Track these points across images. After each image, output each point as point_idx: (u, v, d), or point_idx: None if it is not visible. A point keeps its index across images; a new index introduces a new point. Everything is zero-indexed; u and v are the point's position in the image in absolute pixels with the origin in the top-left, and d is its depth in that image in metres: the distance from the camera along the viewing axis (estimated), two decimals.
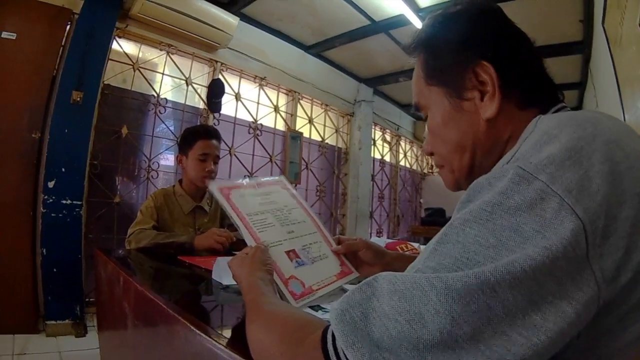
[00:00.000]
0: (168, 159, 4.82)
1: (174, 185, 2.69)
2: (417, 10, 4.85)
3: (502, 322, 0.49)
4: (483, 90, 0.80)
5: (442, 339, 0.49)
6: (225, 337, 0.87)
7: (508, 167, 0.58)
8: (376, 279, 0.59)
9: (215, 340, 0.85)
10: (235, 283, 1.21)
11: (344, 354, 0.54)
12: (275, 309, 0.81)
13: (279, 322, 0.73)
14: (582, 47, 5.31)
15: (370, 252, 1.34)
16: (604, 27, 3.59)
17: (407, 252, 1.96)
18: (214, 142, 2.64)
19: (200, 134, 2.64)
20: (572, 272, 0.50)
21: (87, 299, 3.96)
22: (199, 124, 4.96)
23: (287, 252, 1.15)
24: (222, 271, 1.46)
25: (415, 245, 2.27)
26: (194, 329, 0.92)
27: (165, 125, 4.86)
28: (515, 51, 0.82)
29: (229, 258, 1.28)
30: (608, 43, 3.44)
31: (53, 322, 3.64)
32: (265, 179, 1.44)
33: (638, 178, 0.57)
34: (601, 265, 0.52)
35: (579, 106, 7.31)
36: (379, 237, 7.91)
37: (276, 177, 1.49)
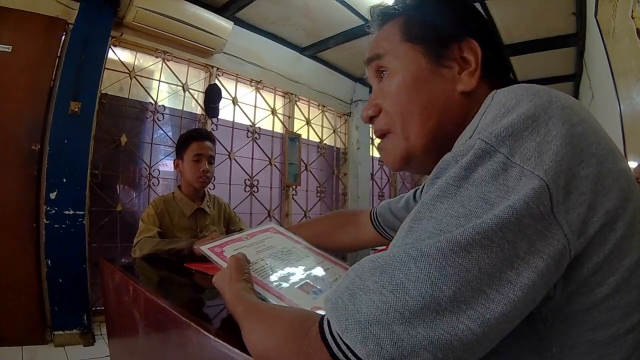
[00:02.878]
0: (166, 165, 4.85)
1: (173, 192, 2.73)
2: None
3: (479, 281, 0.52)
4: (462, 65, 0.83)
5: (425, 303, 0.51)
6: (239, 341, 0.88)
7: (471, 142, 0.60)
8: (358, 262, 0.61)
9: (230, 344, 0.87)
10: None
11: (341, 338, 0.56)
12: (270, 312, 0.81)
13: (278, 323, 0.73)
14: (575, 40, 5.32)
15: None
16: (596, 20, 3.61)
17: None
18: (207, 143, 2.73)
19: (192, 137, 2.74)
20: (539, 228, 0.53)
21: (93, 308, 3.98)
22: (195, 128, 4.98)
23: (300, 287, 1.07)
24: None
25: None
26: (208, 334, 0.93)
27: (164, 131, 4.88)
28: (495, 38, 0.88)
29: None
30: (601, 35, 3.46)
31: (61, 332, 3.66)
32: (255, 229, 1.40)
33: (592, 140, 0.61)
34: (567, 219, 0.55)
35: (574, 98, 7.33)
36: None
37: (266, 225, 1.45)
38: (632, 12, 2.30)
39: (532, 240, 0.53)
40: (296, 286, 1.06)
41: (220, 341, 0.89)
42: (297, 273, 1.14)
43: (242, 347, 0.82)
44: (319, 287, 1.08)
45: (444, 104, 0.83)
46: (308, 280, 1.10)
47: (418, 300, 0.52)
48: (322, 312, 0.66)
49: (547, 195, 0.54)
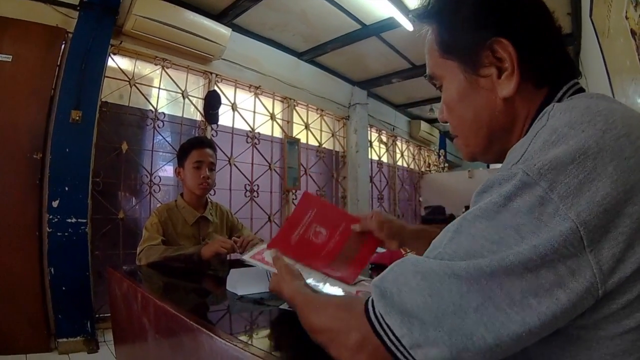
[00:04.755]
0: (166, 170, 4.87)
1: (176, 200, 2.75)
2: (407, 12, 4.88)
3: (500, 300, 0.59)
4: (501, 67, 0.78)
5: (454, 309, 0.61)
6: (250, 344, 0.90)
7: (516, 170, 0.62)
8: (403, 261, 0.71)
9: (242, 348, 0.89)
10: (249, 293, 1.43)
11: (383, 319, 0.67)
12: (324, 299, 1.01)
13: (329, 304, 0.90)
14: (572, 40, 5.34)
15: (386, 230, 1.34)
16: (591, 20, 3.64)
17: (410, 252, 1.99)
18: (207, 150, 2.75)
19: (193, 145, 2.77)
20: (569, 264, 0.56)
21: (97, 315, 3.99)
22: (196, 136, 5.00)
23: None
24: (237, 282, 1.51)
25: None
26: (219, 339, 0.95)
27: (164, 138, 4.90)
28: (535, 26, 0.80)
29: (243, 270, 1.49)
30: (596, 35, 3.48)
31: (65, 339, 3.66)
32: None
33: None
34: (599, 259, 0.56)
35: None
36: None
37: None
38: (626, 12, 2.32)
39: (559, 273, 0.57)
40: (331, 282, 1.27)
41: (232, 344, 0.91)
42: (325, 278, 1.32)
43: (252, 351, 0.84)
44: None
45: (490, 114, 0.83)
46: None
47: (449, 305, 0.61)
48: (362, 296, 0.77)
49: (577, 237, 0.56)
